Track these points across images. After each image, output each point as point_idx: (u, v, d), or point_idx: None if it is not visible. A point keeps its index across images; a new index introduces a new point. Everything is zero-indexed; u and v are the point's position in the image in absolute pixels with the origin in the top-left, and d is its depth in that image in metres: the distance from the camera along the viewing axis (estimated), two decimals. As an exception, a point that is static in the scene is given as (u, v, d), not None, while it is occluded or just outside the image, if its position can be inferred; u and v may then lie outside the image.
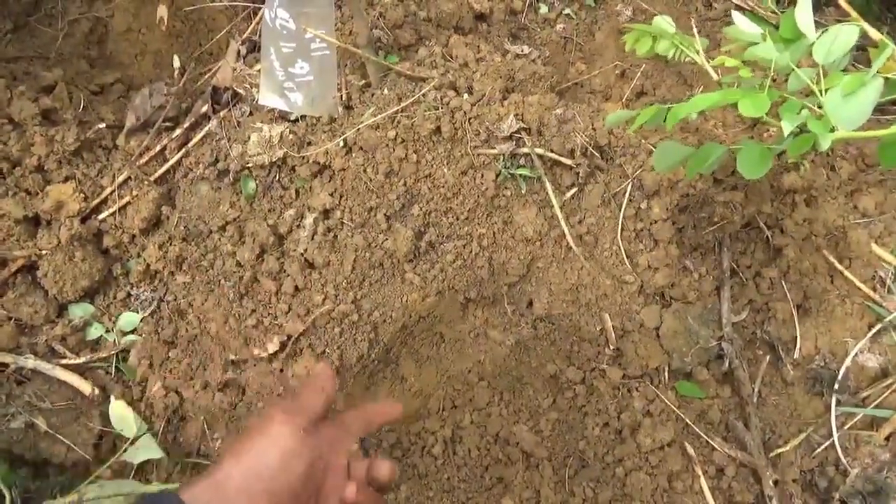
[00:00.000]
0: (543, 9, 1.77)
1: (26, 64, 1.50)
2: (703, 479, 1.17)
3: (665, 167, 0.94)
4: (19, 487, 1.10)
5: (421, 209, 1.24)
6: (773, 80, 0.88)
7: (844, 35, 0.83)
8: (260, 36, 1.28)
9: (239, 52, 1.41)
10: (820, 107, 0.81)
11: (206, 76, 1.45)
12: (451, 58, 1.37)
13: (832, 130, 0.79)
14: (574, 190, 1.29)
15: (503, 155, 1.25)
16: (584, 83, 1.66)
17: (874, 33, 1.12)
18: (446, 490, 1.24)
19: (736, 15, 0.83)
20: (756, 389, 1.26)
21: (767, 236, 1.31)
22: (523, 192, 1.27)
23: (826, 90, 0.81)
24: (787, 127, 0.77)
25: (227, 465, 0.58)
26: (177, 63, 1.50)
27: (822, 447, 1.22)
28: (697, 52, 0.85)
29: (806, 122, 0.77)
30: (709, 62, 0.84)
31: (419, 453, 1.30)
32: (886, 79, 0.83)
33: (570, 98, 1.56)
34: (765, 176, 1.32)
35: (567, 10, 1.77)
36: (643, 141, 1.30)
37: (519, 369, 1.34)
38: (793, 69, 0.83)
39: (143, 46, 1.67)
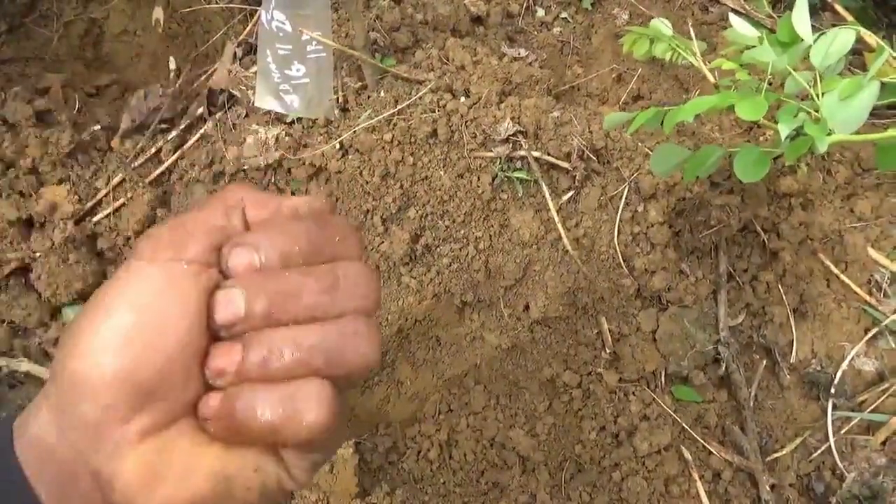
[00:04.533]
0: (540, 12, 1.77)
1: (22, 65, 1.50)
2: (699, 484, 1.17)
3: (663, 170, 0.94)
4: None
5: (417, 212, 1.24)
6: (770, 84, 0.88)
7: (842, 38, 0.83)
8: (256, 38, 1.28)
9: (235, 54, 1.41)
10: (817, 110, 0.81)
11: (202, 78, 1.44)
12: (448, 60, 1.37)
13: (829, 134, 0.79)
14: (571, 193, 1.29)
15: (500, 158, 1.24)
16: (580, 86, 1.66)
17: (871, 38, 1.13)
18: (442, 494, 1.23)
19: (733, 18, 0.83)
20: (752, 393, 1.25)
21: (764, 240, 1.31)
22: (520, 195, 1.27)
23: (823, 94, 0.81)
24: (784, 130, 0.77)
25: (67, 349, 0.34)
26: (173, 65, 1.50)
27: (819, 451, 1.21)
28: (695, 55, 0.85)
29: (803, 126, 0.77)
30: (706, 65, 0.84)
31: (415, 457, 1.29)
32: (883, 83, 0.83)
33: (567, 101, 1.56)
34: (761, 180, 1.32)
35: (564, 14, 1.77)
36: (640, 144, 1.30)
37: (515, 373, 1.33)
38: (790, 72, 0.83)
39: (139, 48, 1.66)
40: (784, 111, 0.80)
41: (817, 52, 0.82)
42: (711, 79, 0.84)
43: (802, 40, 0.85)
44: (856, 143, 1.40)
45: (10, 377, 1.17)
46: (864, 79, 0.80)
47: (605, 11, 1.77)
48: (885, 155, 0.90)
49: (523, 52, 1.54)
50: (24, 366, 1.17)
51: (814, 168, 1.36)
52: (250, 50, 1.44)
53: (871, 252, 1.30)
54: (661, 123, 0.86)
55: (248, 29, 1.48)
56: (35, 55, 1.55)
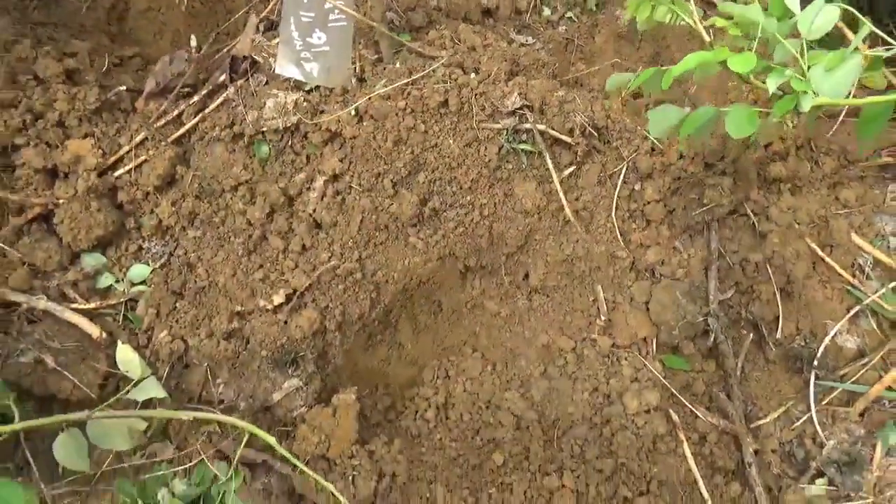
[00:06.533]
0: (546, 11, 1.86)
1: (51, 30, 1.56)
2: (686, 445, 1.21)
3: (660, 131, 1.00)
4: (25, 419, 1.12)
5: (426, 177, 1.30)
6: (761, 52, 0.95)
7: (827, 12, 0.91)
8: (278, 15, 1.35)
9: (257, 27, 1.48)
10: (803, 75, 0.88)
11: (225, 50, 1.51)
12: (460, 41, 1.44)
13: (815, 97, 0.86)
14: (572, 168, 1.35)
15: (506, 129, 1.31)
16: (582, 81, 1.73)
17: (853, 15, 1.20)
18: (438, 448, 1.28)
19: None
20: (739, 365, 1.31)
21: (753, 222, 1.37)
22: (524, 166, 1.34)
23: (810, 67, 0.88)
24: (773, 85, 0.84)
25: None
26: (193, 42, 1.56)
27: (801, 421, 1.27)
28: (691, 14, 0.92)
29: (790, 83, 0.84)
30: (701, 25, 0.92)
31: (412, 416, 1.33)
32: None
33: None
34: (752, 163, 1.40)
35: (569, 14, 1.86)
36: (638, 128, 1.37)
37: (513, 340, 1.39)
38: (779, 40, 0.90)
39: (161, 25, 1.73)
40: (773, 72, 0.87)
41: (804, 21, 0.89)
42: (706, 38, 0.91)
43: (792, 13, 0.93)
44: (842, 138, 1.48)
45: (29, 313, 1.21)
46: (847, 51, 0.88)
47: (609, 12, 1.86)
48: (865, 126, 0.97)
49: (531, 40, 1.62)
50: (42, 303, 1.22)
51: (802, 157, 1.43)
52: (271, 26, 1.51)
53: (855, 238, 1.36)
54: (661, 84, 0.93)
55: (269, 7, 1.55)
56: (63, 22, 1.61)
